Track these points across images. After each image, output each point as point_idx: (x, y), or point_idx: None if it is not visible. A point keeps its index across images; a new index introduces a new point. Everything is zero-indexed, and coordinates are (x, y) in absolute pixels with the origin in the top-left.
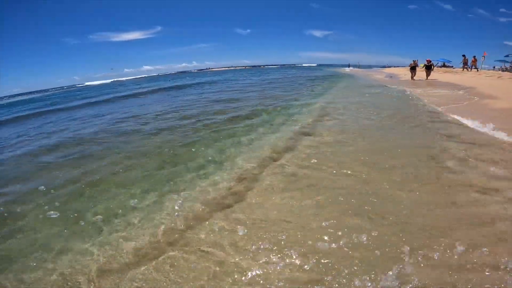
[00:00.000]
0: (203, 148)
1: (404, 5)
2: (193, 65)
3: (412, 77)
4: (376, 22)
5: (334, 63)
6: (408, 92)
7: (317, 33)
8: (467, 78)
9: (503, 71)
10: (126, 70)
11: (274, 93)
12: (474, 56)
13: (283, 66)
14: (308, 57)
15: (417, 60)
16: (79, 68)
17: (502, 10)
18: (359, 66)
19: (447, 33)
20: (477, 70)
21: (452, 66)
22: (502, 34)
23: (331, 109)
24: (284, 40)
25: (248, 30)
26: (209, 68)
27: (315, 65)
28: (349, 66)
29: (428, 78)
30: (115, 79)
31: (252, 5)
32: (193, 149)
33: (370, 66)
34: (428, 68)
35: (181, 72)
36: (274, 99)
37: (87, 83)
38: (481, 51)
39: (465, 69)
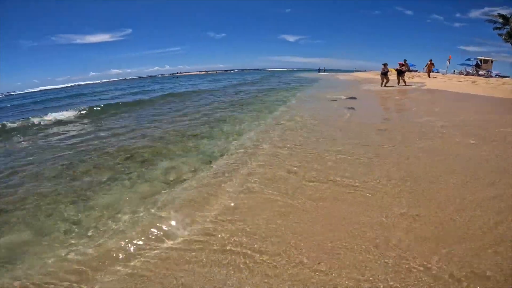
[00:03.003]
0: None
1: (369, 11)
2: (165, 68)
3: (382, 84)
4: (344, 28)
5: (308, 67)
6: None
7: (290, 38)
8: (440, 83)
9: (466, 74)
10: (92, 73)
11: None
12: (431, 60)
13: (255, 71)
14: (281, 62)
15: (387, 64)
16: (38, 71)
17: (457, 15)
18: (324, 71)
19: (408, 38)
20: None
21: (416, 70)
22: (456, 38)
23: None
24: (258, 45)
25: (223, 34)
26: (178, 73)
27: (292, 69)
28: (319, 71)
29: (400, 84)
30: (77, 83)
31: (227, 9)
32: None
33: (338, 71)
34: (400, 73)
35: (152, 76)
36: None
37: (41, 88)
38: (439, 55)
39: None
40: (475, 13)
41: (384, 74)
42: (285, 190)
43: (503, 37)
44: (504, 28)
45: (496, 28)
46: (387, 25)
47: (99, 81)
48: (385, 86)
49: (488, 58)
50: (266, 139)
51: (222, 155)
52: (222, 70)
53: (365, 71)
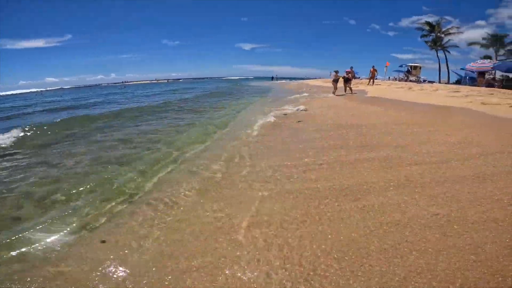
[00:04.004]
0: None
1: (320, 21)
2: (111, 77)
3: (335, 91)
4: (297, 37)
5: (264, 75)
6: None
7: (246, 46)
8: (381, 90)
9: (399, 80)
10: (22, 82)
11: None
12: (373, 66)
13: (211, 80)
14: (239, 70)
15: (338, 71)
16: None
17: (390, 24)
18: (277, 79)
19: (352, 46)
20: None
21: (359, 77)
22: (391, 46)
23: None
24: (214, 53)
25: (177, 42)
26: (125, 82)
27: (248, 77)
28: (272, 79)
29: (347, 92)
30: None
31: (181, 16)
32: None
33: (291, 78)
34: (346, 81)
35: (95, 85)
36: None
37: None
38: (377, 62)
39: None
40: (405, 22)
41: (336, 81)
42: None
43: (429, 44)
44: (430, 36)
45: (423, 35)
46: (335, 34)
47: (29, 90)
48: (333, 94)
49: (417, 64)
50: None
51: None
52: (175, 79)
53: (315, 78)
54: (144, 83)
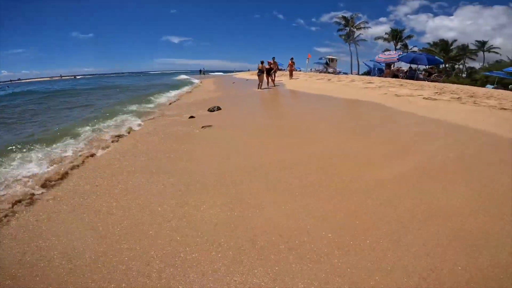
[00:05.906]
0: None
1: (250, 15)
2: (1, 75)
3: (259, 86)
4: (227, 30)
5: (194, 69)
6: None
7: (175, 39)
8: (302, 81)
9: (320, 72)
10: None
11: None
12: (292, 59)
13: (133, 74)
14: (166, 64)
15: (263, 62)
16: None
17: (313, 19)
18: (204, 72)
19: (280, 39)
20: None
21: (284, 69)
22: (313, 40)
23: None
24: (139, 46)
25: (90, 35)
26: (14, 80)
27: (176, 71)
28: (200, 72)
29: (269, 84)
30: None
31: (95, 6)
32: None
33: (221, 71)
34: (268, 72)
35: None
36: None
37: None
38: (301, 55)
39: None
40: (325, 18)
41: (262, 72)
42: None
43: (343, 37)
44: (345, 30)
45: (340, 29)
46: (265, 28)
47: None
48: (260, 88)
49: (334, 57)
50: None
51: None
52: (89, 75)
53: (249, 70)
54: (44, 80)
